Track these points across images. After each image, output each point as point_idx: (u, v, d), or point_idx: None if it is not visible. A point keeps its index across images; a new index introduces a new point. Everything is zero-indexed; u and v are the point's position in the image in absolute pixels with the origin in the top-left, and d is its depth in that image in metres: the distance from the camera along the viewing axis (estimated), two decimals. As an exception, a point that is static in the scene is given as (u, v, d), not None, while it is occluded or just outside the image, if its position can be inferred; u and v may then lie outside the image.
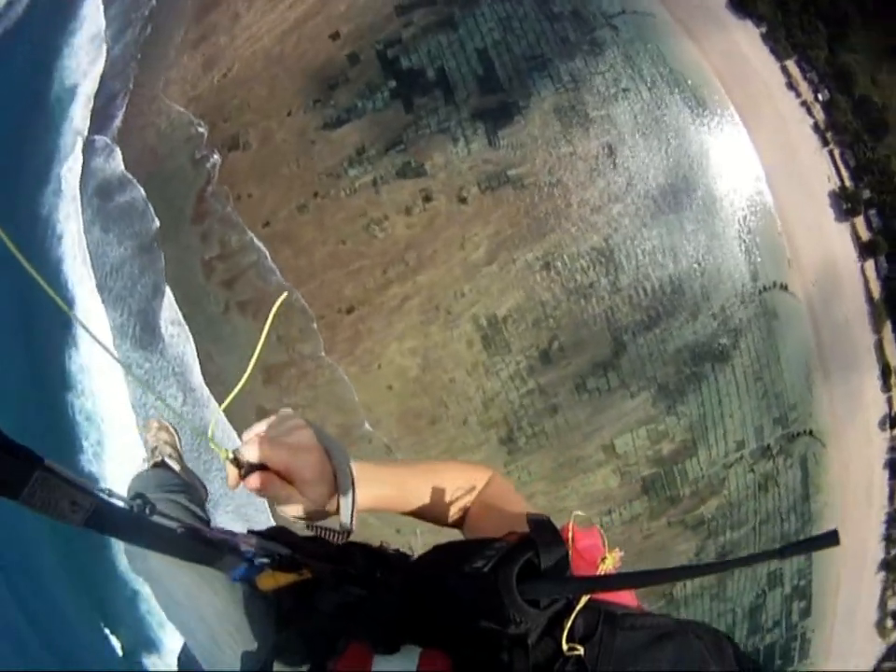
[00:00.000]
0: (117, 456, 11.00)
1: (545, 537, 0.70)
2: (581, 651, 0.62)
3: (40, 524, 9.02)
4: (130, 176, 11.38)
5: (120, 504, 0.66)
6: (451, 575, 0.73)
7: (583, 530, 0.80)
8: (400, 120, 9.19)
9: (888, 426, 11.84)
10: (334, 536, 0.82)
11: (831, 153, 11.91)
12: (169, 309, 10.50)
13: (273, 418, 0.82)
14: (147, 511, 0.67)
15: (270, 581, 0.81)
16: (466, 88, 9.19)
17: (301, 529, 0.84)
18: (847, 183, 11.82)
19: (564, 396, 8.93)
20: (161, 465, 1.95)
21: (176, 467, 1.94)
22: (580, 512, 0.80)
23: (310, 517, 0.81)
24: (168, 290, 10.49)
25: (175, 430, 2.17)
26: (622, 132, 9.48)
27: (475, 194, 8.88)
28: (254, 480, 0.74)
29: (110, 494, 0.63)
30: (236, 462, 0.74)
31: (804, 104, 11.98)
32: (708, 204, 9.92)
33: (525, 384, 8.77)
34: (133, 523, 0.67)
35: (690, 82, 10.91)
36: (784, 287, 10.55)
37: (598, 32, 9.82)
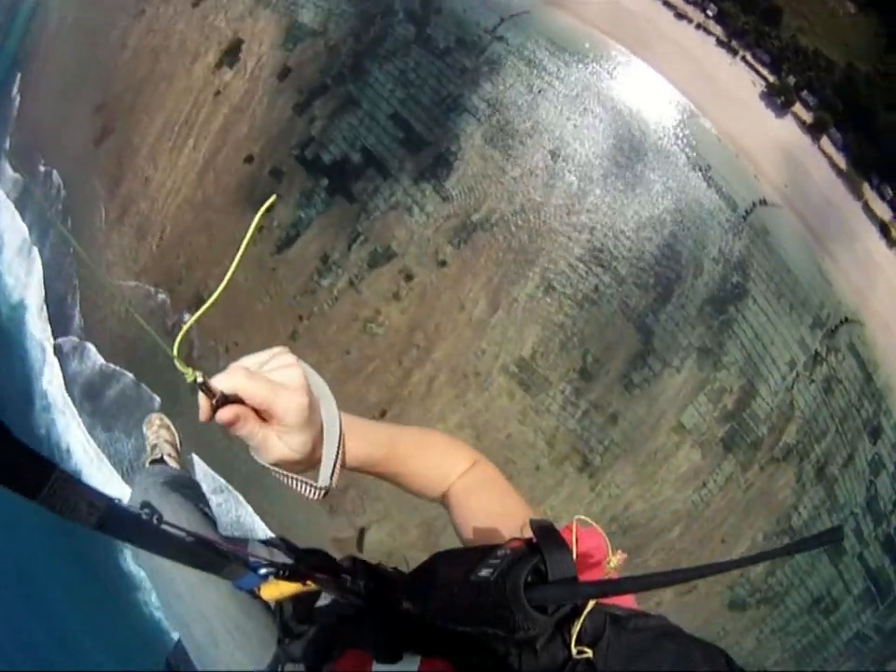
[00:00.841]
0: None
1: (550, 542, 0.70)
2: (590, 653, 0.62)
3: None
4: (111, 366, 11.06)
5: (134, 512, 0.66)
6: (455, 585, 0.72)
7: (586, 531, 0.80)
8: (349, 213, 9.05)
9: (905, 273, 11.94)
10: (310, 491, 0.78)
11: (744, 59, 12.04)
12: (205, 479, 10.17)
13: (263, 353, 0.76)
14: (155, 519, 0.67)
15: (274, 590, 0.80)
16: (395, 156, 9.09)
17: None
18: (772, 79, 11.95)
19: (617, 400, 8.79)
20: (159, 461, 1.94)
21: (175, 465, 1.93)
22: (583, 517, 0.79)
23: (286, 466, 0.77)
24: (197, 460, 10.17)
25: (176, 430, 2.16)
26: (555, 130, 9.45)
27: (451, 253, 8.74)
28: (226, 412, 0.68)
29: (120, 502, 0.62)
30: (205, 388, 0.66)
31: (698, 26, 12.12)
32: (661, 157, 9.93)
33: (577, 407, 8.61)
34: (144, 528, 0.67)
35: (590, 51, 10.95)
36: (763, 202, 10.60)
37: (489, 49, 9.81)
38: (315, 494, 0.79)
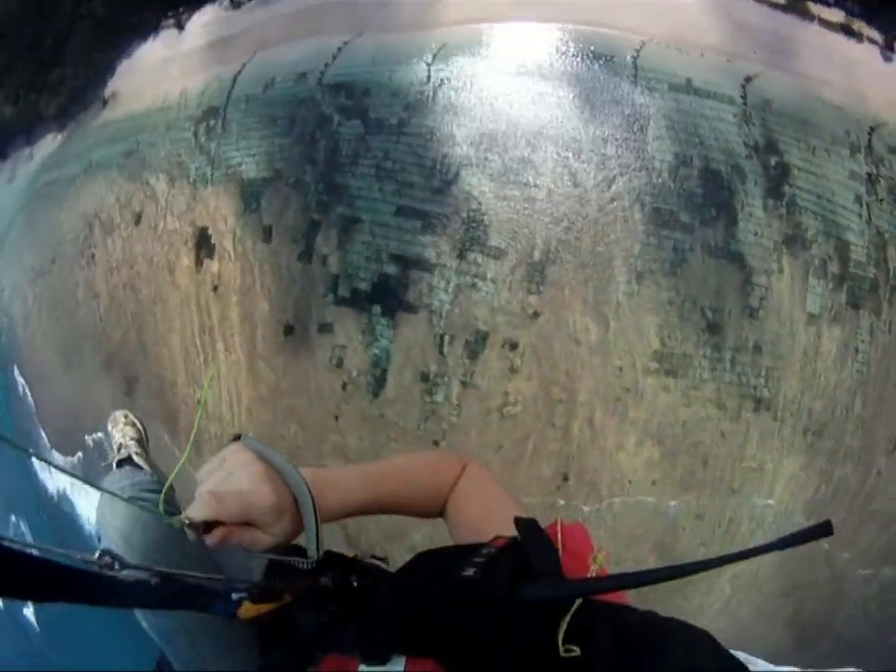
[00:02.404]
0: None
1: (534, 539, 0.69)
2: (577, 651, 0.60)
3: None
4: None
5: (85, 565, 0.61)
6: (440, 585, 0.71)
7: (570, 526, 0.78)
8: (419, 323, 8.52)
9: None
10: (304, 565, 0.80)
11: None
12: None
13: (215, 460, 0.80)
14: (117, 566, 0.63)
15: (251, 611, 0.80)
16: (426, 245, 8.56)
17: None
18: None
19: (750, 331, 8.71)
20: (127, 461, 1.88)
21: (143, 463, 1.88)
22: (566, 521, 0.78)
23: (281, 547, 0.80)
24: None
25: (143, 426, 2.12)
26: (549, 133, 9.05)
27: (536, 301, 8.32)
28: (213, 537, 0.73)
29: (68, 556, 0.57)
30: (191, 525, 0.72)
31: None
32: (645, 99, 9.64)
33: (723, 360, 8.53)
34: (102, 584, 0.62)
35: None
36: (748, 79, 10.48)
37: (440, 92, 9.26)
38: (308, 566, 0.80)
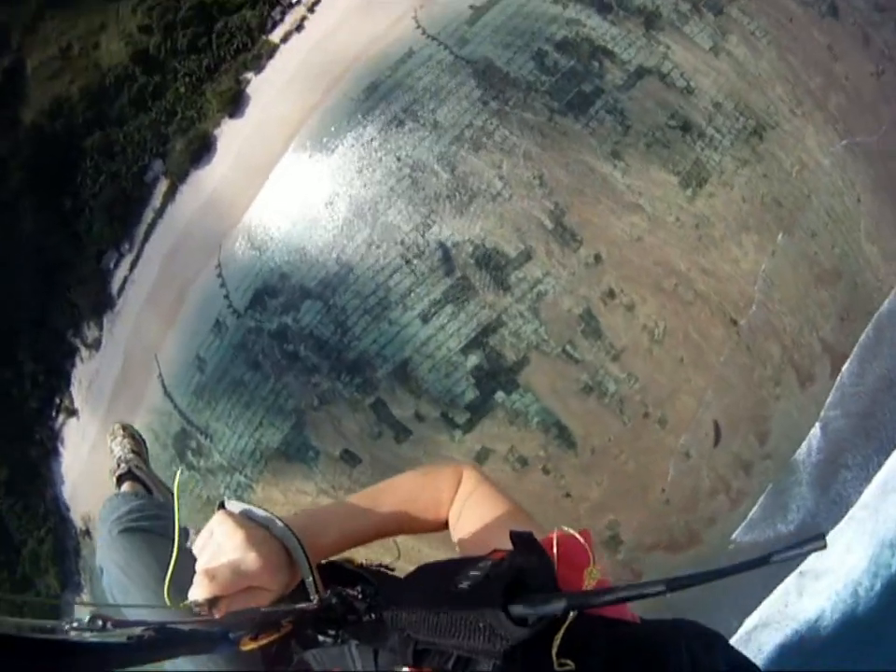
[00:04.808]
0: None
1: (530, 553, 0.72)
2: (571, 665, 0.64)
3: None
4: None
5: (79, 632, 0.63)
6: (437, 597, 0.74)
7: (567, 536, 0.81)
8: None
9: None
10: (311, 604, 0.84)
11: None
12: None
13: (204, 533, 0.85)
14: (109, 626, 0.65)
15: (251, 644, 0.83)
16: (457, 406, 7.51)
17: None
18: None
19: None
20: (127, 475, 1.98)
21: (144, 476, 1.99)
22: (566, 528, 0.81)
23: (283, 596, 0.85)
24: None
25: (141, 437, 2.22)
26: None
27: (584, 346, 7.76)
28: (219, 612, 0.79)
29: (69, 626, 0.61)
30: (199, 608, 0.78)
31: None
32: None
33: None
34: (94, 651, 0.65)
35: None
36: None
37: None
38: (314, 607, 0.83)
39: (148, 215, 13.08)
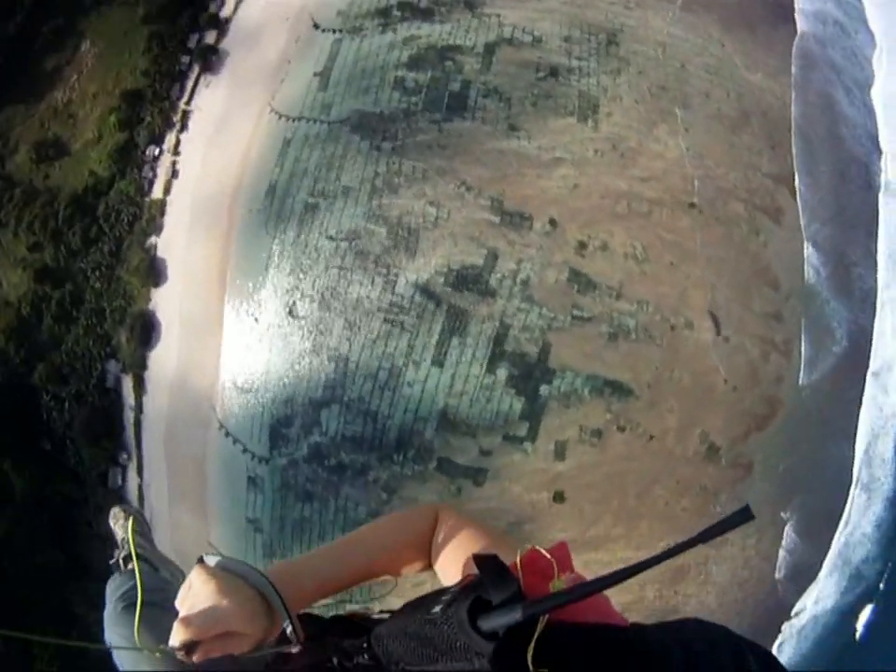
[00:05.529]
0: None
1: (492, 571, 0.76)
2: None
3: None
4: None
5: None
6: (415, 626, 0.79)
7: (534, 553, 0.85)
8: None
9: None
10: (292, 647, 0.91)
11: None
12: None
13: (187, 583, 0.92)
14: None
15: None
16: None
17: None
18: None
19: None
20: (131, 557, 2.03)
21: (148, 556, 2.09)
22: (538, 547, 0.86)
23: (264, 641, 0.90)
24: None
25: (144, 518, 2.34)
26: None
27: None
28: (198, 657, 0.84)
29: None
30: (176, 653, 0.84)
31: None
32: None
33: None
34: None
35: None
36: None
37: None
38: (295, 648, 0.90)
39: (129, 415, 12.48)
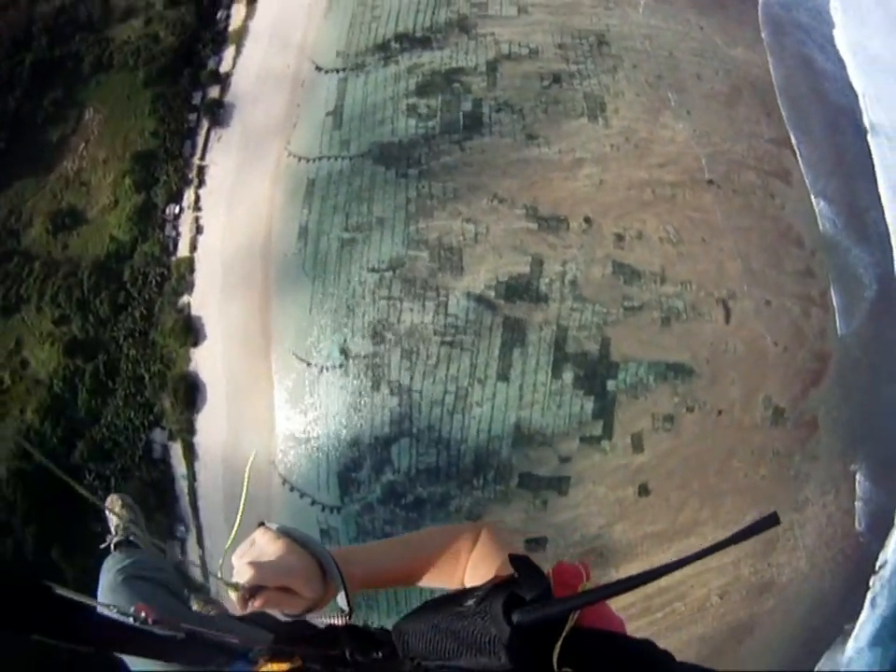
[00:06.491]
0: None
1: (526, 570, 0.79)
2: None
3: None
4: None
5: (122, 618, 0.75)
6: (442, 620, 0.80)
7: (569, 565, 0.88)
8: None
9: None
10: (339, 619, 0.95)
11: None
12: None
13: (250, 540, 0.94)
14: (151, 621, 0.77)
15: (266, 666, 0.91)
16: None
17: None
18: None
19: None
20: (125, 543, 2.12)
21: (141, 543, 2.16)
22: (566, 559, 0.90)
23: (313, 609, 0.94)
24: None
25: (138, 507, 2.41)
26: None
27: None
28: (258, 601, 0.86)
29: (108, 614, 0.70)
30: (240, 589, 0.86)
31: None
32: None
33: None
34: (138, 635, 0.76)
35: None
36: None
37: None
38: (342, 620, 0.95)
39: (181, 485, 11.82)
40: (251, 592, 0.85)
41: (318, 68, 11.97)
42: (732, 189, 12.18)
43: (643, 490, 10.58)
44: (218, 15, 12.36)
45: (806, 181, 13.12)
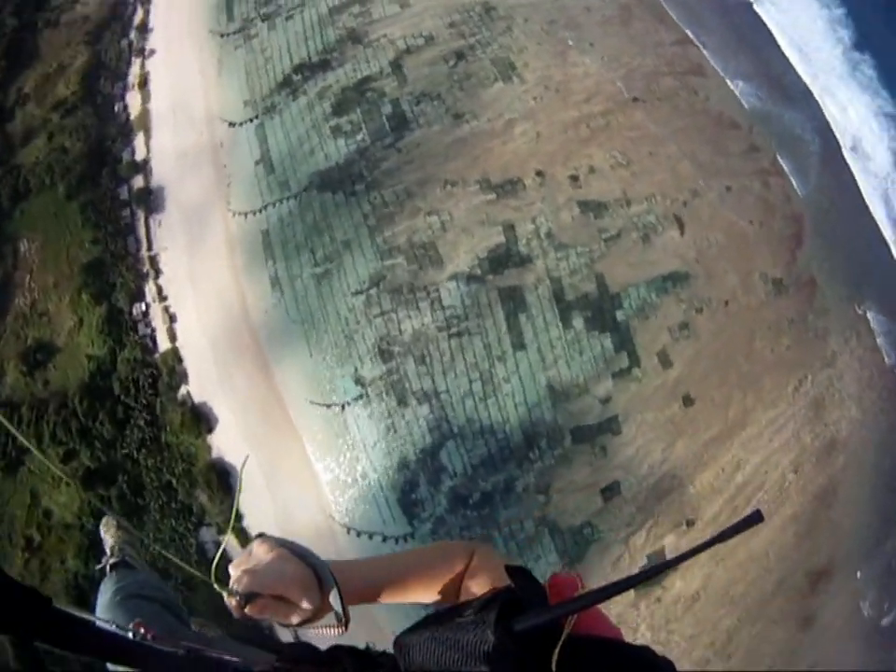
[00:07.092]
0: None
1: (522, 580, 0.84)
2: None
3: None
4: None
5: (126, 634, 0.79)
6: (440, 631, 0.81)
7: (564, 576, 0.94)
8: None
9: None
10: (335, 629, 0.95)
11: None
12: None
13: (247, 551, 0.97)
14: (150, 637, 0.82)
15: None
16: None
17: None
18: None
19: None
20: (121, 564, 2.13)
21: (136, 564, 2.17)
22: (558, 572, 0.94)
23: (310, 621, 0.94)
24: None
25: (133, 530, 2.46)
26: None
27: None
28: (253, 608, 0.88)
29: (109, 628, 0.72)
30: (236, 596, 0.88)
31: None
32: None
33: None
34: (140, 650, 0.81)
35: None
36: None
37: None
38: (338, 631, 0.94)
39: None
40: (246, 598, 0.86)
41: (231, 124, 11.87)
42: (656, 98, 12.55)
43: (687, 401, 10.68)
44: (116, 108, 12.15)
45: (718, 69, 13.65)
